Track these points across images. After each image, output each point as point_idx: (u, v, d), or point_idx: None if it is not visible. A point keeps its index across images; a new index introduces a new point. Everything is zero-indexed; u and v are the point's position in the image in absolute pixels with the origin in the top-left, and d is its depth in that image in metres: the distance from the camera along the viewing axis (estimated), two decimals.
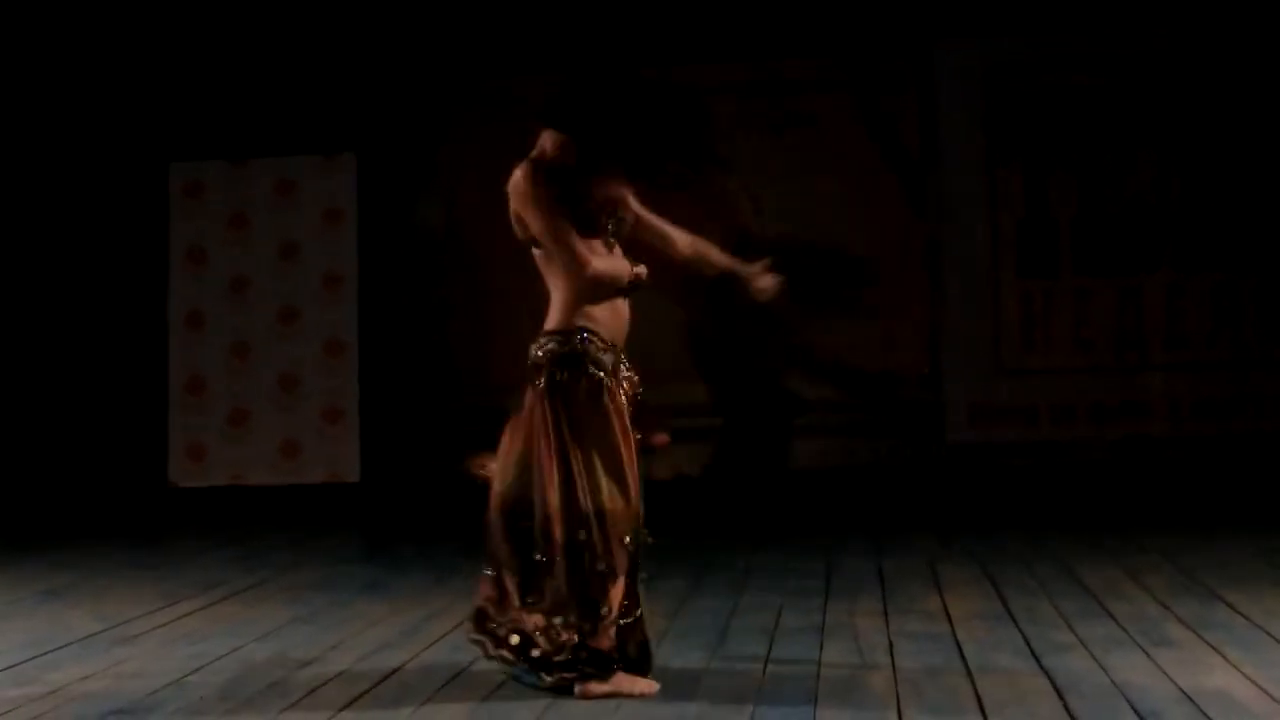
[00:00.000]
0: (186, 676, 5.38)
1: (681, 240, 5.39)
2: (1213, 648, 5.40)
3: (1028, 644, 5.56)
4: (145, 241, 12.56)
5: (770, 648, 5.63)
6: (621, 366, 5.15)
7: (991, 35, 11.83)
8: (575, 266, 5.07)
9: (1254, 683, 4.82)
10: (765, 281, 5.40)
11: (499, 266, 11.89)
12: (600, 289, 5.11)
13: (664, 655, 5.49)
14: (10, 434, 12.49)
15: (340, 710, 4.77)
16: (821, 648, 5.59)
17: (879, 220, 11.82)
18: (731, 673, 5.20)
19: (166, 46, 12.36)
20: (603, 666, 4.92)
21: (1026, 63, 11.79)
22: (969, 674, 5.07)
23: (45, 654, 5.86)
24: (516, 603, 5.00)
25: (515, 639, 5.01)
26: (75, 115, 12.48)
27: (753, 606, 6.53)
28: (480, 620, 5.10)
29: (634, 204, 5.29)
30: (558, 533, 4.92)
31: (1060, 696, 4.70)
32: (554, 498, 4.94)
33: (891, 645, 5.62)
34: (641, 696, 4.88)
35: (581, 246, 5.08)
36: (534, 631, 4.98)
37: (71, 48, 12.32)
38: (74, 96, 12.47)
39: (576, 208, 5.12)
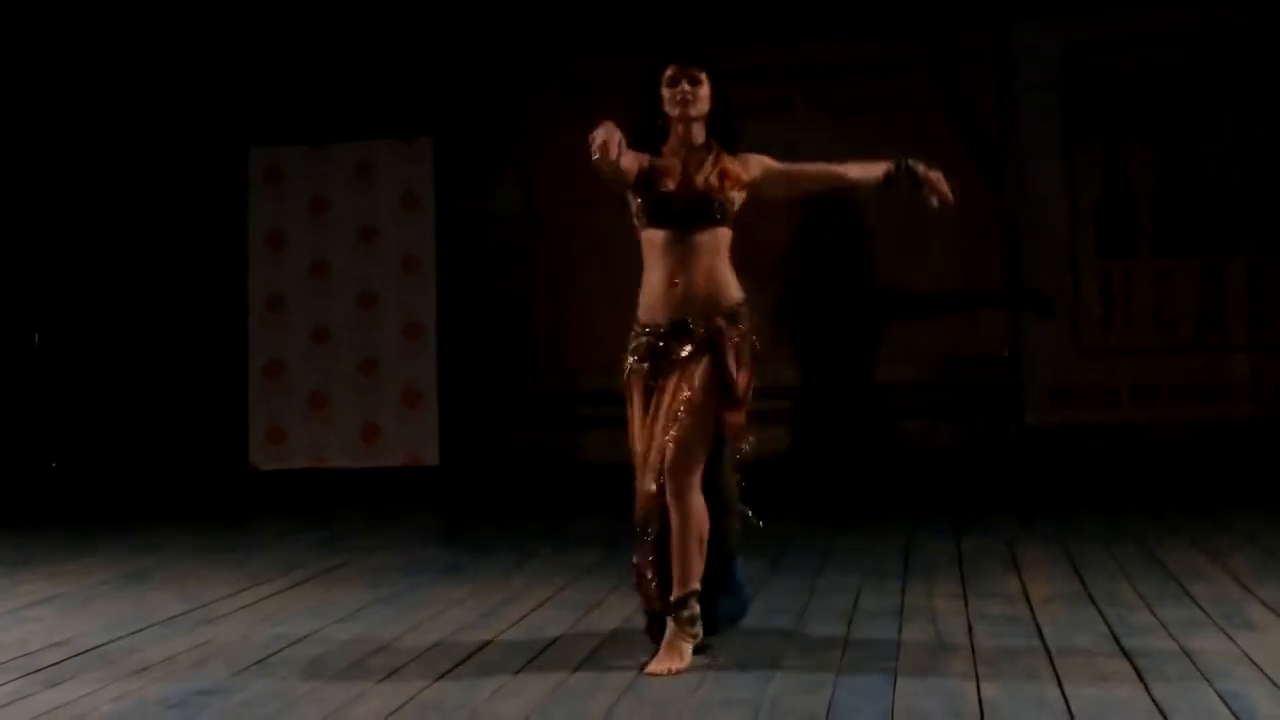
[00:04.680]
0: (269, 657, 5.43)
1: (810, 171, 5.58)
2: None
3: (1108, 626, 5.53)
4: (225, 227, 12.67)
5: (849, 629, 5.62)
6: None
7: (1070, 12, 11.72)
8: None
9: None
10: (940, 182, 5.49)
11: (576, 250, 11.95)
12: None
13: (742, 634, 5.50)
14: (94, 418, 12.65)
15: (420, 691, 4.81)
16: (900, 629, 5.58)
17: (957, 199, 11.72)
18: (810, 653, 5.19)
19: (245, 33, 12.45)
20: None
21: (1105, 40, 11.67)
22: (1049, 656, 5.04)
23: (130, 634, 5.94)
24: None
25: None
26: (155, 103, 12.60)
27: (831, 588, 6.53)
28: None
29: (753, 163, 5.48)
30: None
31: (1141, 679, 4.67)
32: None
33: (970, 627, 5.60)
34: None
35: None
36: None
37: (152, 35, 12.43)
38: (154, 84, 12.59)
39: None
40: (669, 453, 5.16)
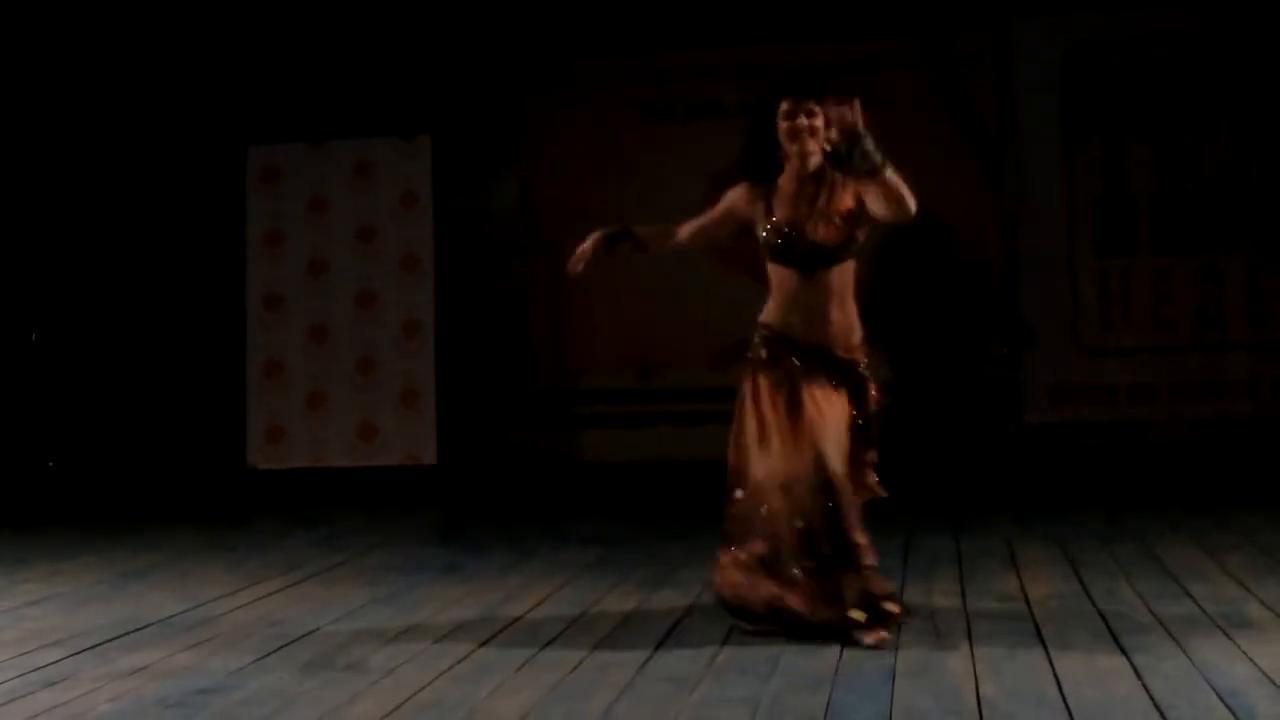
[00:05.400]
0: (267, 656, 5.43)
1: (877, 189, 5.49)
2: None
3: (1106, 624, 5.52)
4: (223, 225, 12.66)
5: None
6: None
7: (1069, 11, 11.74)
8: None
9: None
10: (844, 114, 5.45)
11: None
12: None
13: (741, 635, 5.50)
14: (91, 418, 12.64)
15: (418, 691, 4.80)
16: (899, 628, 5.57)
17: (955, 198, 11.75)
18: (808, 653, 5.18)
19: (243, 30, 12.43)
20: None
21: (1104, 38, 11.68)
22: (1047, 654, 5.04)
23: (128, 634, 5.93)
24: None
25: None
26: (153, 100, 12.59)
27: None
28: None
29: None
30: None
31: (1139, 677, 4.66)
32: None
33: (969, 625, 5.60)
34: None
35: None
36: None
37: (150, 33, 12.42)
38: (152, 82, 12.57)
39: None
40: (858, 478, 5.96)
